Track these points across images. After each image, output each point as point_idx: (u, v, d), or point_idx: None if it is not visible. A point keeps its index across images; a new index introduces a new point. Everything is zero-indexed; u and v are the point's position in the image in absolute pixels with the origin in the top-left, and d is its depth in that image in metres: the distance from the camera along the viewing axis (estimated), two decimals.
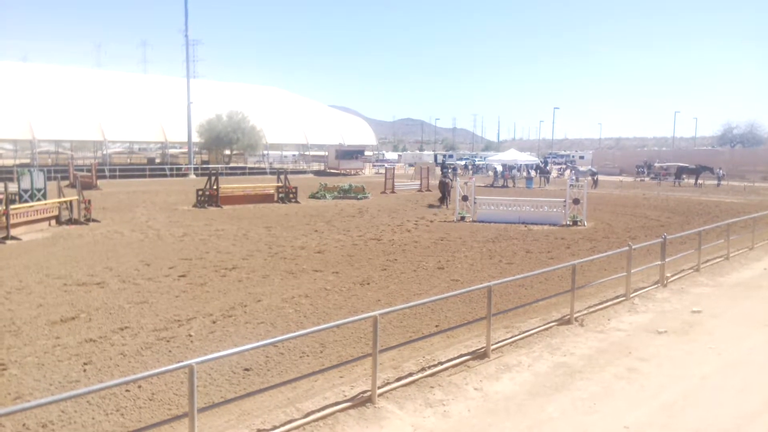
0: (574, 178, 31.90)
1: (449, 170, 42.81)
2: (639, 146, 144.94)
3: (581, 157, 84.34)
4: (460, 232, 18.49)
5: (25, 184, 20.48)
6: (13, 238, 16.00)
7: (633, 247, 10.52)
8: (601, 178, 46.30)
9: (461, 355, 7.35)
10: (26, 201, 19.72)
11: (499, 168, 46.39)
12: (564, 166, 66.50)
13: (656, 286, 11.32)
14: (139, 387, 6.32)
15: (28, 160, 52.59)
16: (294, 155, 77.37)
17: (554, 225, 20.40)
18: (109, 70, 78.63)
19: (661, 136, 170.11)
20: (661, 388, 6.59)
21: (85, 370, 6.80)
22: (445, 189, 27.08)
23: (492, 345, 7.49)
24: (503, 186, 42.38)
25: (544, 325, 8.73)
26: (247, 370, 6.94)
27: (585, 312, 9.45)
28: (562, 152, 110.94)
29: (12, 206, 16.82)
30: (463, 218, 21.59)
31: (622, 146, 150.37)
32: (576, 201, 20.79)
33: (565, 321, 8.94)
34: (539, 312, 9.44)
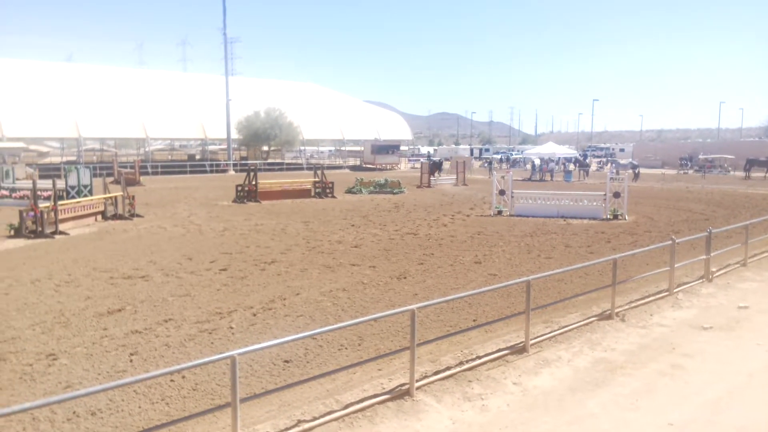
0: (614, 171, 31.26)
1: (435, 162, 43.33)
2: (682, 138, 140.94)
3: (621, 150, 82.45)
4: (497, 227, 18.35)
5: (72, 180, 21.20)
6: (61, 232, 16.57)
7: (677, 241, 10.27)
8: (642, 171, 45.24)
9: (499, 350, 7.31)
10: (73, 197, 20.42)
11: (537, 161, 45.77)
12: (604, 159, 65.18)
13: (701, 281, 11.03)
14: (183, 377, 6.49)
15: (74, 158, 54.29)
16: (330, 151, 77.91)
17: (594, 219, 20.05)
18: (150, 69, 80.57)
19: (706, 127, 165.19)
20: (706, 385, 6.44)
21: (131, 361, 7.02)
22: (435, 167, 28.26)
23: (531, 340, 7.44)
24: (541, 180, 41.80)
25: (584, 320, 8.61)
26: (287, 361, 7.05)
27: (626, 307, 9.28)
28: (602, 145, 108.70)
29: (60, 202, 17.41)
30: (500, 212, 21.40)
31: (664, 138, 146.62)
32: (616, 194, 20.38)
33: (605, 316, 8.80)
34: (579, 307, 9.31)
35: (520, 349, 7.34)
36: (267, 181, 28.82)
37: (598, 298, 9.57)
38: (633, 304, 9.47)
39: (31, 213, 16.21)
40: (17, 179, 26.54)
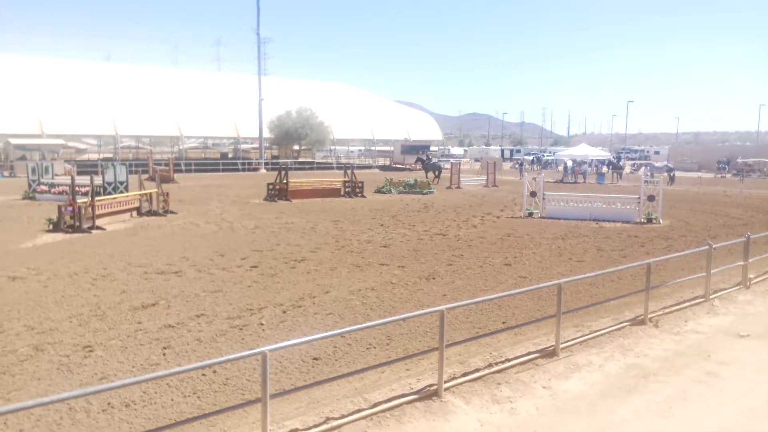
0: (648, 174, 30.68)
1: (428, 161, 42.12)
2: (720, 141, 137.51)
3: (656, 153, 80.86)
4: (527, 229, 18.17)
5: (109, 177, 21.71)
6: (98, 227, 16.98)
7: (713, 246, 10.03)
8: (678, 174, 44.30)
9: (529, 353, 7.25)
10: (110, 193, 20.90)
11: (569, 163, 45.20)
12: (638, 162, 64.00)
13: (738, 287, 10.76)
14: (214, 372, 6.60)
15: (111, 155, 55.61)
16: (360, 150, 78.17)
17: (627, 222, 19.71)
18: (185, 69, 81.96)
19: (745, 130, 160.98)
20: (743, 393, 6.28)
21: (164, 354, 7.16)
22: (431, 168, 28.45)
23: (561, 343, 7.35)
24: (573, 182, 41.27)
25: (617, 325, 8.48)
26: (315, 359, 7.10)
27: (660, 313, 9.11)
28: (636, 147, 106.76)
29: (97, 198, 17.85)
30: (531, 214, 21.20)
31: (701, 141, 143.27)
32: (651, 198, 20.00)
33: (638, 321, 8.65)
34: (611, 311, 9.17)
35: (550, 353, 7.26)
36: (298, 180, 29.06)
37: (630, 303, 9.40)
38: (667, 310, 9.28)
39: (70, 208, 16.64)
40: (56, 175, 27.24)
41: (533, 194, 21.54)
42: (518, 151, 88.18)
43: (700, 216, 21.90)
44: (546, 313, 8.78)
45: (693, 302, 9.75)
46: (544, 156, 72.78)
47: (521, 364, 6.94)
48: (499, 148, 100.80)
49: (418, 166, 42.17)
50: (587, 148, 57.00)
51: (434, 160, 43.75)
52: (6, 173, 41.27)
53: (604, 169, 46.41)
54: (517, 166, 56.27)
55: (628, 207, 20.49)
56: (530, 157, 69.65)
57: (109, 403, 5.81)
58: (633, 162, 65.56)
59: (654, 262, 9.35)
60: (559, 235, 17.00)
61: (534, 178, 22.48)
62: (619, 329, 8.32)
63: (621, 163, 49.87)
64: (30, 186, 25.84)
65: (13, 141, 44.87)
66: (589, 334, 8.05)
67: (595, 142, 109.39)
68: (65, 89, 50.36)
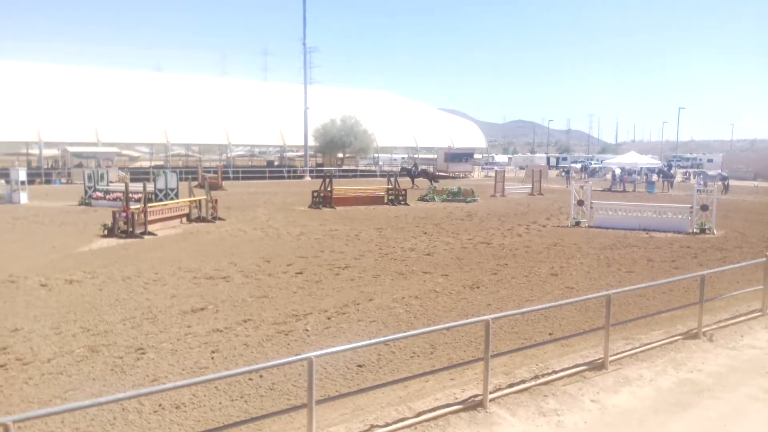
0: (701, 182, 29.70)
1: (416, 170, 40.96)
2: None
3: (709, 161, 78.27)
4: (574, 238, 17.83)
5: (160, 184, 22.38)
6: (149, 233, 17.51)
7: None
8: (732, 183, 42.73)
9: (576, 365, 7.10)
10: (161, 200, 21.54)
11: (618, 171, 44.17)
12: (690, 170, 62.01)
13: None
14: (261, 377, 6.70)
15: (162, 162, 57.25)
16: (403, 158, 78.30)
17: (679, 233, 19.10)
18: (232, 78, 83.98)
19: None
20: None
21: (212, 358, 7.32)
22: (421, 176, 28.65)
23: (610, 356, 7.17)
24: (622, 190, 40.29)
25: (668, 338, 8.22)
26: (360, 366, 7.13)
27: (714, 326, 8.78)
28: (688, 155, 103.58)
29: (149, 204, 18.42)
30: (578, 223, 20.79)
31: (757, 149, 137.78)
32: (704, 207, 19.34)
33: (691, 335, 8.36)
34: (662, 324, 8.90)
35: (598, 366, 7.10)
36: (342, 187, 29.31)
37: (683, 316, 9.10)
38: (722, 324, 8.95)
39: (123, 214, 17.22)
40: (111, 182, 28.29)
41: (580, 203, 21.13)
42: (564, 158, 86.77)
43: (756, 226, 21.04)
44: (594, 324, 8.60)
45: (749, 316, 9.37)
46: (591, 164, 71.36)
47: (568, 376, 6.80)
48: (544, 155, 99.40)
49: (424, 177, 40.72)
50: (636, 155, 55.53)
51: (421, 168, 42.72)
52: (64, 180, 43.06)
53: (654, 177, 45.14)
54: (563, 174, 55.33)
55: (680, 216, 19.87)
56: (578, 165, 68.38)
57: (160, 405, 5.97)
58: (684, 170, 63.60)
59: (708, 273, 9.04)
60: (607, 244, 16.62)
61: (581, 187, 22.07)
62: (671, 343, 8.07)
63: (672, 172, 48.39)
64: (86, 192, 26.89)
65: (71, 149, 46.81)
66: (640, 347, 7.83)
67: (645, 150, 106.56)
68: (119, 99, 52.27)
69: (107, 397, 4.94)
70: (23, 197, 27.28)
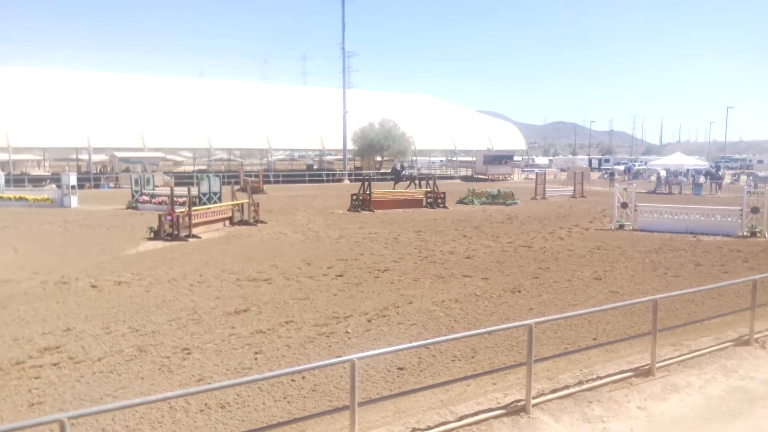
0: (751, 184, 28.69)
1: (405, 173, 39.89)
2: None
3: (760, 161, 75.59)
4: (618, 241, 17.45)
5: (204, 188, 22.83)
6: (194, 236, 17.92)
7: None
8: None
9: (622, 371, 6.95)
10: (205, 203, 21.98)
11: (663, 173, 43.05)
12: (739, 172, 59.95)
13: None
14: (303, 378, 6.78)
15: (204, 167, 58.52)
16: (441, 161, 78.03)
17: (728, 236, 18.49)
18: (273, 84, 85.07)
19: None
20: None
21: (256, 359, 7.44)
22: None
23: (657, 363, 7.00)
24: (667, 193, 39.26)
25: (718, 345, 7.97)
26: (400, 369, 7.14)
27: (767, 333, 8.47)
28: (737, 156, 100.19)
29: (193, 208, 18.84)
30: (621, 226, 20.34)
31: None
32: (755, 210, 18.68)
33: (742, 342, 8.09)
34: (712, 330, 8.63)
35: (645, 372, 6.93)
36: (380, 190, 29.39)
37: (733, 322, 8.82)
38: None
39: (169, 217, 17.67)
40: (156, 186, 29.05)
41: (624, 205, 20.68)
42: (607, 160, 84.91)
43: None
44: (640, 330, 8.40)
45: None
46: (635, 165, 69.76)
47: (614, 382, 6.66)
48: (586, 157, 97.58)
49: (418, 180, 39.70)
50: (682, 157, 53.86)
51: (407, 172, 41.88)
52: (112, 184, 44.41)
53: (702, 179, 43.87)
54: (606, 176, 54.23)
55: (729, 219, 19.23)
56: (621, 167, 66.91)
57: (206, 404, 6.10)
58: (733, 172, 61.53)
59: (761, 278, 8.73)
60: (652, 248, 16.22)
61: (625, 189, 21.59)
62: (721, 349, 7.82)
63: (720, 173, 46.93)
64: (133, 196, 27.68)
65: (119, 154, 48.25)
66: (688, 353, 7.62)
67: (691, 151, 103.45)
68: (164, 105, 53.62)
69: (156, 395, 5.09)
70: (74, 201, 28.24)
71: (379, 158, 61.21)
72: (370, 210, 26.36)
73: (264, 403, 6.19)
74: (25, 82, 52.36)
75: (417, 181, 36.46)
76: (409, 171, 43.12)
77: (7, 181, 33.25)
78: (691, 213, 20.05)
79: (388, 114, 58.40)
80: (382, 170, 60.36)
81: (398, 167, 42.31)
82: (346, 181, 51.65)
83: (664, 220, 20.03)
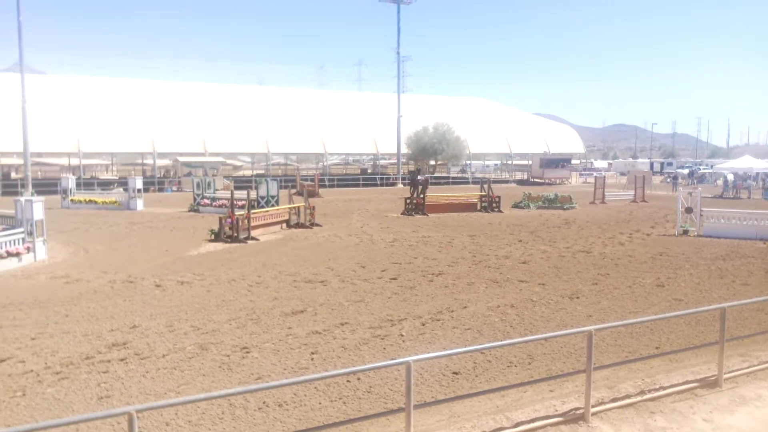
0: None
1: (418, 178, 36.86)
2: None
3: None
4: (682, 248, 16.81)
5: (262, 191, 23.42)
6: (252, 238, 18.36)
7: None
8: None
9: (687, 382, 6.69)
10: (263, 206, 22.52)
11: (730, 177, 41.19)
12: None
13: None
14: (359, 379, 6.85)
15: (263, 171, 59.83)
16: (496, 164, 77.13)
17: None
18: (329, 90, 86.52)
19: None
20: None
21: (312, 359, 7.56)
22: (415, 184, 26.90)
23: (725, 374, 6.71)
24: (735, 197, 37.54)
25: None
26: (455, 373, 7.11)
27: None
28: None
29: (252, 211, 19.32)
30: (686, 232, 19.58)
31: None
32: None
33: None
34: None
35: (711, 383, 6.65)
36: (434, 194, 29.31)
37: None
38: None
39: (229, 220, 18.19)
40: (217, 190, 29.94)
41: (689, 210, 19.91)
42: (670, 164, 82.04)
43: None
44: (705, 339, 8.08)
45: None
46: (699, 169, 67.04)
47: (678, 393, 6.43)
48: (647, 160, 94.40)
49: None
50: (751, 160, 51.35)
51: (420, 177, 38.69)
52: (175, 188, 46.07)
53: None
54: (669, 179, 52.34)
55: None
56: (685, 170, 64.45)
57: (264, 402, 6.25)
58: None
59: None
60: (719, 255, 15.54)
61: (689, 193, 20.79)
62: None
63: None
64: (195, 199, 28.62)
65: (181, 159, 50.00)
66: (758, 365, 7.26)
67: (761, 154, 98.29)
68: (224, 111, 55.25)
69: (217, 392, 5.25)
70: (139, 204, 29.45)
71: (432, 162, 61.09)
72: (424, 214, 26.33)
73: (320, 403, 6.29)
74: (95, 91, 55.00)
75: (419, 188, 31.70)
76: (422, 176, 40.73)
77: (78, 185, 34.93)
78: (761, 219, 19.09)
79: (442, 118, 58.24)
80: (436, 174, 60.25)
81: (417, 172, 41.26)
82: (400, 185, 51.76)
83: (732, 225, 19.17)
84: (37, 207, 14.99)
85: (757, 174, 45.35)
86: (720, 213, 20.15)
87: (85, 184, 41.62)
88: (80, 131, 45.72)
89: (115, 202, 29.68)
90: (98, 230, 20.97)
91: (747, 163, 49.20)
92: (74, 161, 51.20)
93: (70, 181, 31.32)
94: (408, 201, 26.95)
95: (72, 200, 30.16)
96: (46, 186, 38.25)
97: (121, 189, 34.39)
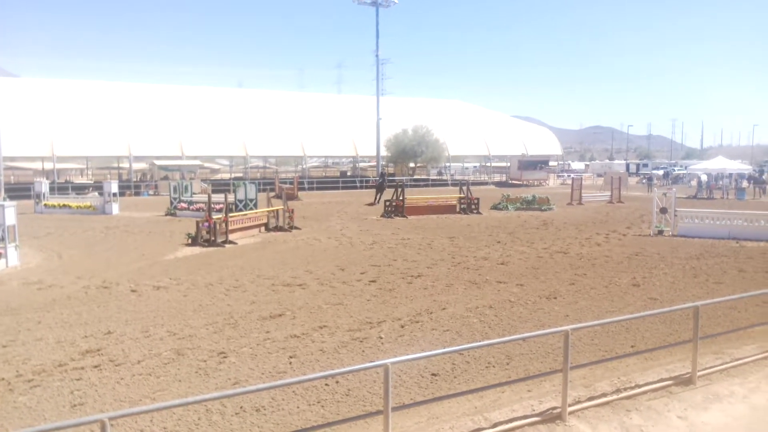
0: None
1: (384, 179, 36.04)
2: None
3: None
4: (657, 247, 17.05)
5: (240, 195, 23.24)
6: (230, 242, 18.20)
7: None
8: None
9: (662, 379, 6.78)
10: (241, 210, 22.35)
11: (704, 178, 41.92)
12: None
13: None
14: (337, 382, 6.81)
15: (241, 174, 59.47)
16: (475, 166, 77.57)
17: None
18: (308, 92, 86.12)
19: None
20: None
21: (290, 363, 7.51)
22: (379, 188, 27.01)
23: (699, 371, 6.81)
24: (708, 198, 38.21)
25: (763, 353, 7.71)
26: (434, 375, 7.11)
27: None
28: None
29: (230, 214, 19.15)
30: (660, 232, 19.88)
31: None
32: None
33: None
34: (756, 338, 8.36)
35: (685, 381, 6.75)
36: (413, 196, 29.36)
37: None
38: None
39: (206, 224, 18.00)
40: (194, 193, 29.63)
41: (663, 210, 20.21)
42: (645, 165, 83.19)
43: None
44: (680, 338, 8.19)
45: None
46: (674, 170, 68.16)
47: (653, 390, 6.50)
48: (624, 162, 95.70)
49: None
50: (724, 161, 52.23)
51: (378, 178, 37.29)
52: (151, 192, 45.51)
53: (745, 183, 42.56)
54: (644, 180, 53.09)
55: None
56: (660, 171, 65.45)
57: (241, 407, 6.18)
58: None
59: None
60: (693, 254, 15.80)
61: (664, 194, 21.11)
62: (765, 358, 7.56)
63: (764, 177, 45.45)
64: (172, 203, 28.29)
65: (158, 162, 49.39)
66: (731, 362, 7.39)
67: (734, 155, 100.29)
68: (202, 114, 54.76)
69: (193, 398, 5.17)
70: (115, 208, 29.02)
71: (412, 164, 61.22)
72: (404, 216, 26.35)
73: (298, 407, 6.24)
74: (69, 94, 54.13)
75: (383, 191, 32.76)
76: (380, 178, 39.45)
77: (52, 189, 34.31)
78: (734, 218, 19.48)
79: (422, 120, 58.41)
80: (415, 176, 60.41)
81: (384, 174, 40.63)
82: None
83: (706, 225, 19.51)
84: (9, 212, 14.68)
85: (731, 175, 46.20)
86: (694, 213, 20.49)
87: (59, 189, 40.82)
88: (54, 135, 44.92)
89: (90, 206, 29.20)
90: (73, 235, 20.62)
91: (720, 164, 50.06)
92: (48, 165, 50.25)
93: (44, 186, 30.75)
94: (387, 203, 26.95)
95: (46, 205, 29.62)
96: (19, 190, 37.53)
97: (96, 193, 33.83)
